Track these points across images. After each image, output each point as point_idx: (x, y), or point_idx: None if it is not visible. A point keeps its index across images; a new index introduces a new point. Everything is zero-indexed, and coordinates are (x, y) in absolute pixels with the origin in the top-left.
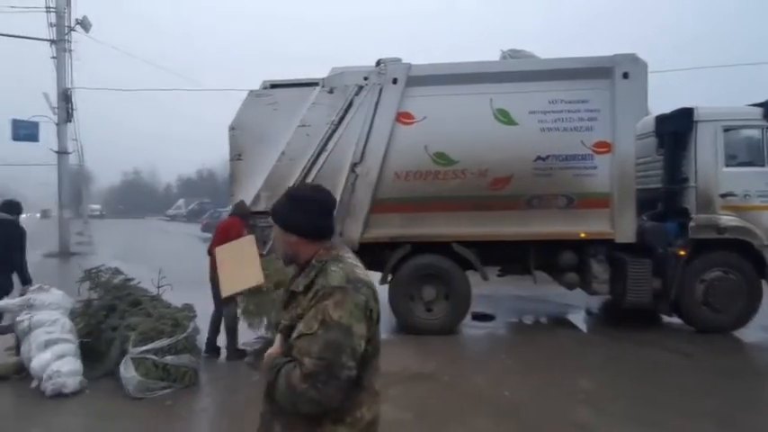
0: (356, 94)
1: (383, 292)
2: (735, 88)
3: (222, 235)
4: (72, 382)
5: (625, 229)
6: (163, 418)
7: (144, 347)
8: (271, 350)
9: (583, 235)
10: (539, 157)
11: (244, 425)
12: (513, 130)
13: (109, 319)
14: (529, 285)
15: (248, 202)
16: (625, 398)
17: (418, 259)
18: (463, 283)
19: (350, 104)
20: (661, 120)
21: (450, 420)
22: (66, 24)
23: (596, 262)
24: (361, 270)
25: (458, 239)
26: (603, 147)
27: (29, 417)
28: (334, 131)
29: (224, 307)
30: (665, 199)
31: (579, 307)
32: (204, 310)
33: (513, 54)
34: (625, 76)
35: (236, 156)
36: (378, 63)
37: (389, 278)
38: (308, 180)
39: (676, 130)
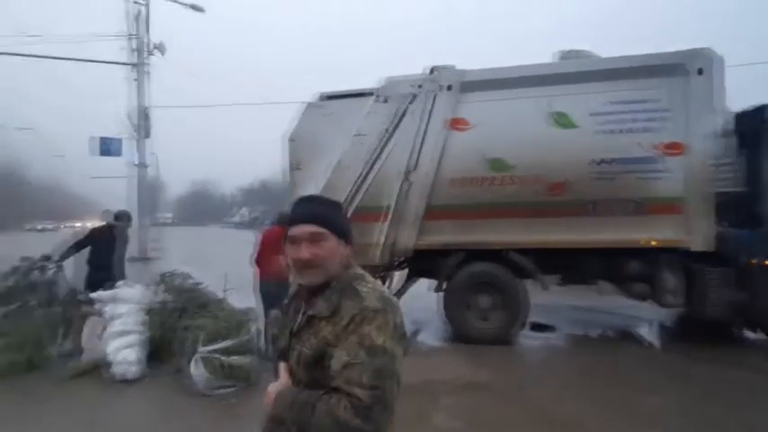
0: (410, 102)
1: (434, 300)
2: None
3: (266, 243)
4: (135, 370)
5: (701, 237)
6: (228, 416)
7: (211, 347)
8: (279, 383)
9: (653, 243)
10: (601, 161)
11: None
12: (571, 134)
13: (180, 319)
14: (592, 296)
15: None
16: (694, 419)
17: (473, 267)
18: (520, 292)
19: (404, 113)
20: (741, 118)
21: None
22: (145, 49)
23: (669, 272)
24: (381, 286)
25: (514, 247)
26: (675, 148)
27: (108, 404)
28: (388, 140)
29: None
30: (745, 203)
31: (648, 320)
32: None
33: (571, 54)
34: (699, 72)
35: (295, 165)
36: (431, 70)
37: (444, 286)
38: (363, 188)
39: (751, 129)
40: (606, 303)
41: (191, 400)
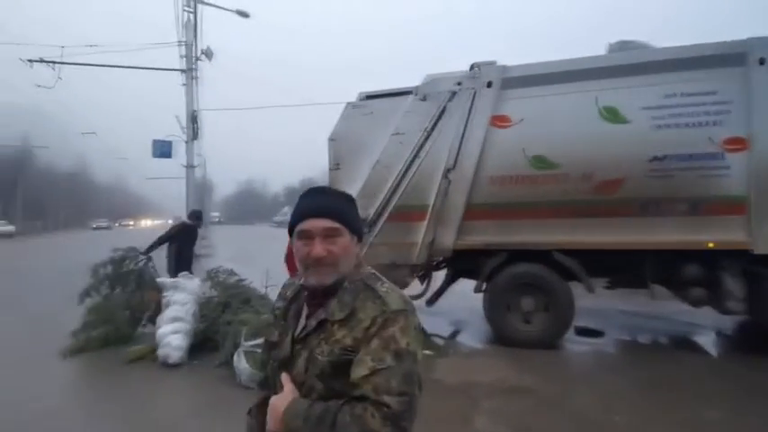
0: (449, 100)
1: (477, 300)
2: None
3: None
4: (176, 355)
5: (766, 239)
6: None
7: (253, 342)
8: (285, 396)
9: (711, 245)
10: (654, 158)
11: None
12: (622, 129)
13: (224, 314)
14: (644, 301)
15: None
16: None
17: (515, 268)
18: (565, 295)
19: (443, 111)
20: None
21: None
22: (194, 55)
23: (730, 276)
24: (396, 286)
25: (559, 248)
26: (737, 143)
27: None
28: (427, 138)
29: None
30: None
31: (707, 327)
32: None
33: (622, 46)
34: (761, 62)
35: (335, 165)
36: (471, 67)
37: (484, 287)
38: (402, 187)
39: None
40: (659, 309)
41: (234, 391)
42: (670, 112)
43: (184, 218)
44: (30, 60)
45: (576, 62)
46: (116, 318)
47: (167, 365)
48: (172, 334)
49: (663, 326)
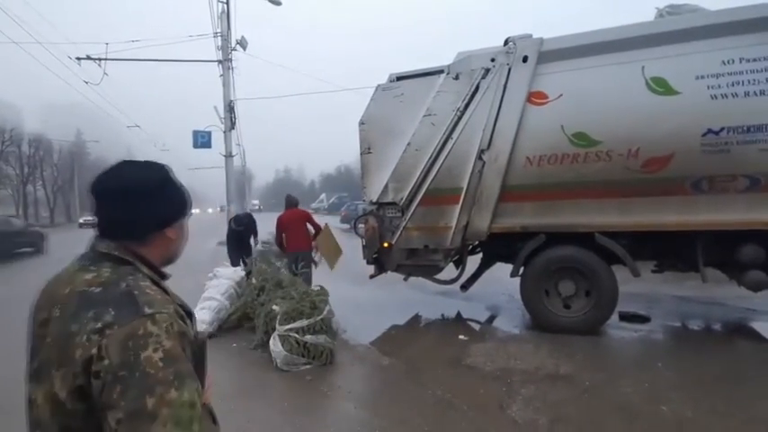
0: (483, 77)
1: (514, 285)
2: None
3: (284, 224)
4: (203, 328)
5: None
6: (304, 391)
7: (288, 326)
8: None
9: None
10: (709, 131)
11: (377, 405)
12: (672, 101)
13: (259, 297)
14: (695, 285)
15: (377, 193)
16: None
17: (554, 251)
18: (607, 279)
19: (476, 89)
20: None
21: (593, 431)
22: (229, 46)
23: None
24: None
25: (601, 230)
26: None
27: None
28: (459, 118)
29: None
30: None
31: (765, 313)
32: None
33: (671, 10)
34: None
35: (366, 149)
36: (506, 42)
37: (521, 271)
38: (434, 170)
39: None
40: (711, 293)
41: (271, 374)
42: (728, 81)
43: (219, 208)
44: (78, 58)
45: (619, 30)
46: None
47: None
48: (200, 310)
49: (716, 311)
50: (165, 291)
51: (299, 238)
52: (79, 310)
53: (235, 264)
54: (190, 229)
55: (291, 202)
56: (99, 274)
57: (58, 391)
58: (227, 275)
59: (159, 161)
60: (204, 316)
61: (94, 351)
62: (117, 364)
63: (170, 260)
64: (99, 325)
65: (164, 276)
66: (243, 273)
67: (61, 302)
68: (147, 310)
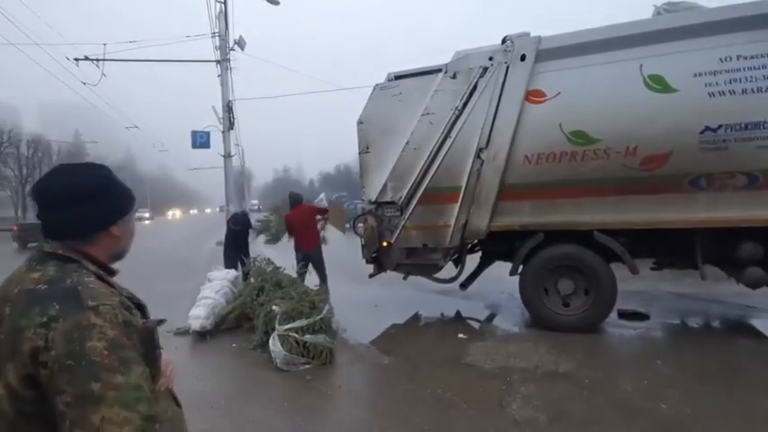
0: (480, 76)
1: (513, 284)
2: None
3: (292, 220)
4: (197, 323)
5: None
6: (304, 391)
7: (287, 326)
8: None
9: None
10: (707, 128)
11: (377, 404)
12: (670, 99)
13: (258, 297)
14: (694, 282)
15: (376, 192)
16: None
17: (553, 249)
18: (606, 277)
19: (474, 87)
20: None
21: (593, 429)
22: (227, 46)
23: None
24: None
25: (600, 228)
26: None
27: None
28: (458, 117)
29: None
30: None
31: (765, 310)
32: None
33: (669, 8)
34: None
35: (365, 149)
36: (503, 40)
37: (520, 269)
38: (432, 169)
39: None
40: (710, 290)
41: (271, 374)
42: (725, 78)
43: (219, 208)
44: (76, 59)
45: (617, 28)
46: None
47: (189, 333)
48: (195, 308)
49: (715, 309)
50: (112, 285)
51: (310, 238)
52: (27, 306)
53: (230, 266)
54: (189, 230)
55: (296, 200)
56: (45, 272)
57: (11, 381)
58: (221, 276)
59: (159, 161)
60: (200, 312)
61: (41, 343)
62: (63, 354)
63: (118, 256)
64: (45, 319)
65: (112, 273)
66: (236, 273)
67: (11, 301)
68: (91, 303)
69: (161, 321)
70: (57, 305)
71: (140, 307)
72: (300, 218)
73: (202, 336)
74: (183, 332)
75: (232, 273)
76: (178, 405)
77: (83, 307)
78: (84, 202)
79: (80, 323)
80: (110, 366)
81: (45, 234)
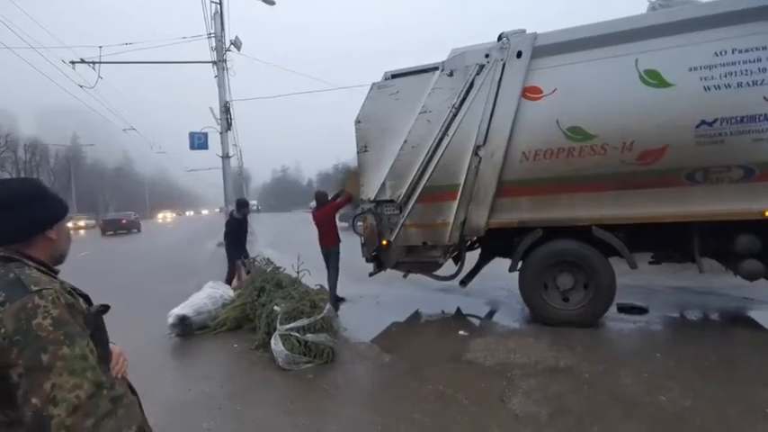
0: (477, 73)
1: (513, 280)
2: None
3: (318, 220)
4: (172, 317)
5: None
6: (307, 390)
7: (289, 325)
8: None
9: (767, 214)
10: (703, 122)
11: (379, 402)
12: (666, 94)
13: (259, 298)
14: (692, 275)
15: (375, 191)
16: None
17: (552, 245)
18: (605, 271)
19: (471, 85)
20: None
21: (594, 422)
22: (223, 46)
23: None
24: None
25: (598, 223)
26: None
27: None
28: (455, 115)
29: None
30: None
31: (763, 301)
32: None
33: (664, 3)
34: None
35: (363, 148)
36: (500, 37)
37: (519, 265)
38: (431, 167)
39: None
40: (708, 283)
41: (273, 373)
42: (721, 72)
43: (218, 209)
44: (72, 62)
45: (612, 24)
46: None
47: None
48: (180, 308)
49: (713, 301)
50: (54, 277)
51: (329, 237)
52: None
53: (235, 258)
54: (189, 230)
55: (321, 200)
56: None
57: None
58: (213, 284)
59: (157, 163)
60: (176, 310)
61: None
62: (12, 332)
63: (60, 257)
64: None
65: (54, 272)
66: (230, 289)
67: None
68: (34, 288)
69: (105, 307)
70: (3, 293)
71: (85, 297)
72: (321, 218)
73: (188, 329)
74: (177, 333)
75: (212, 283)
76: (134, 392)
77: (27, 291)
78: (22, 210)
79: (26, 305)
80: (56, 340)
81: None
